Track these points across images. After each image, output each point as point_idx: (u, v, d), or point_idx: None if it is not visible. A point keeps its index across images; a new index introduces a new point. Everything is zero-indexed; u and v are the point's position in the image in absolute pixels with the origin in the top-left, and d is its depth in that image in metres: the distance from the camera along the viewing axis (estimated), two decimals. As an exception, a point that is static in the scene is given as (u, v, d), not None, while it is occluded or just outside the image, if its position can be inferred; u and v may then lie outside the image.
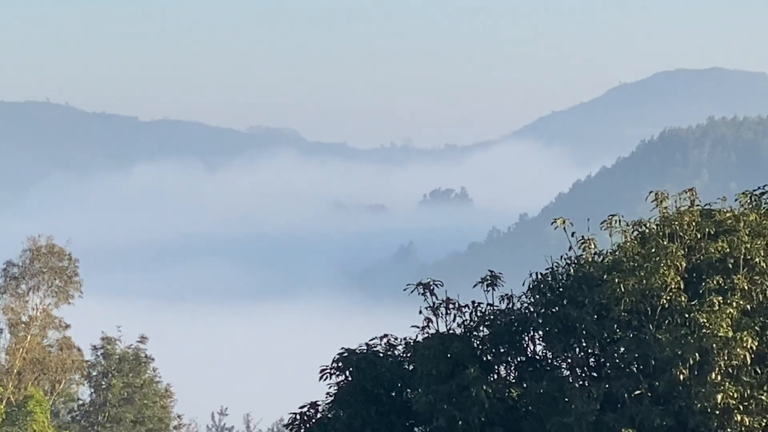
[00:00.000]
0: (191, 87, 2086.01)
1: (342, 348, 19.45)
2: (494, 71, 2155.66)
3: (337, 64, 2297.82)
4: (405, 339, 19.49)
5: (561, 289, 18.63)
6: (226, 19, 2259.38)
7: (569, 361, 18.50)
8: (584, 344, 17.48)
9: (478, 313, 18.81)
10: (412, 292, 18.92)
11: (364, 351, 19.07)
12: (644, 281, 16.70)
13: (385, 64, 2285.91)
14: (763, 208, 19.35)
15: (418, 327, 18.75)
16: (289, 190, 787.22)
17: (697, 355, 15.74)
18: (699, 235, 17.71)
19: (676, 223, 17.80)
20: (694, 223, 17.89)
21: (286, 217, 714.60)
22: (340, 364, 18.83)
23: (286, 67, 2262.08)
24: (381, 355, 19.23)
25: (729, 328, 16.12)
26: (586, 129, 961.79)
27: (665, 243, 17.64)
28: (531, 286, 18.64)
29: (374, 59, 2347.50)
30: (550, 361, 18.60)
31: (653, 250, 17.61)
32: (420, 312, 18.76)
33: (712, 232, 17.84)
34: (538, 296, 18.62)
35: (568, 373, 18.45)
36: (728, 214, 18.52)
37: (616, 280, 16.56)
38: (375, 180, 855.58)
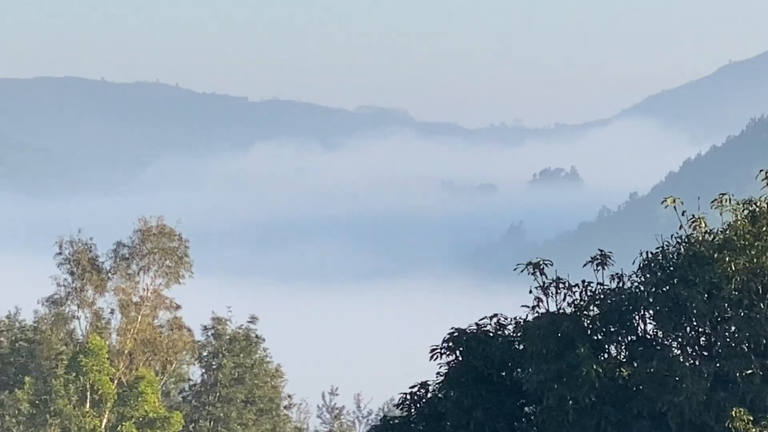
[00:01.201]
0: (299, 67, 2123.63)
1: (452, 328, 20.09)
2: (604, 49, 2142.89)
3: (444, 43, 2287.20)
4: (515, 318, 20.03)
5: (671, 268, 18.79)
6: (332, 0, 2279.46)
7: (680, 340, 18.76)
8: (695, 323, 17.90)
9: (589, 293, 19.27)
10: (522, 271, 19.49)
11: (475, 331, 19.63)
12: (755, 260, 17.21)
13: (493, 42, 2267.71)
14: None
15: (528, 306, 19.30)
16: (399, 170, 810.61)
17: (808, 333, 16.25)
18: (810, 214, 17.88)
19: (787, 201, 17.77)
20: (804, 202, 18.03)
21: (396, 198, 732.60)
22: (450, 344, 19.53)
23: (395, 46, 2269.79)
24: (491, 334, 19.76)
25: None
26: (697, 108, 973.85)
27: (776, 222, 18.08)
28: (641, 265, 18.95)
29: (482, 37, 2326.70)
30: (660, 340, 18.89)
31: (764, 229, 18.11)
32: (530, 291, 19.39)
33: (823, 211, 18.07)
34: (648, 275, 18.79)
35: (679, 352, 18.93)
36: (840, 191, 18.71)
37: (727, 259, 16.94)
38: (485, 159, 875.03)
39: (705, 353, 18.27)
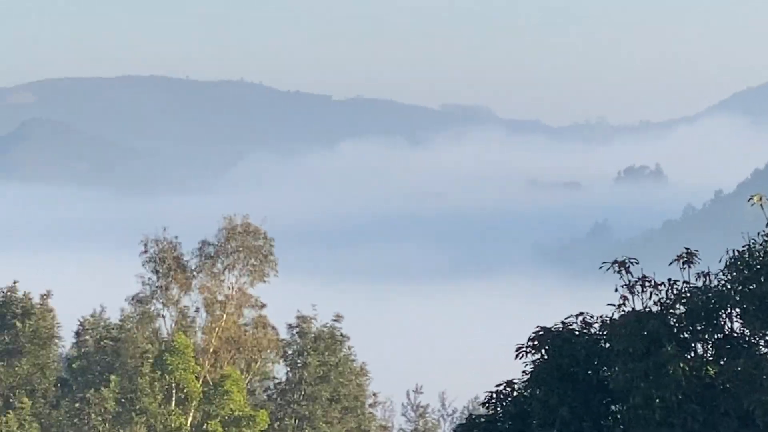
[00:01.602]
0: (382, 65, 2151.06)
1: (538, 326, 20.02)
2: (688, 46, 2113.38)
3: (528, 40, 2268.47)
4: (601, 317, 19.91)
5: (758, 266, 18.53)
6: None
7: (767, 338, 18.75)
8: (783, 321, 17.64)
9: (675, 291, 19.05)
10: (607, 270, 19.47)
11: (560, 329, 19.64)
12: (843, 255, 16.60)
13: (577, 39, 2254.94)
14: None
15: (614, 305, 19.11)
16: (484, 169, 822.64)
17: None
18: None
19: None
20: None
21: (481, 196, 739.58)
22: (535, 343, 19.53)
23: (478, 44, 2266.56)
24: (577, 333, 19.76)
25: None
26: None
27: None
28: (728, 264, 18.87)
29: (566, 34, 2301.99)
30: (747, 338, 18.72)
31: None
32: (616, 290, 19.31)
33: None
34: (734, 273, 18.64)
35: (766, 350, 18.86)
36: None
37: (815, 256, 16.34)
38: (570, 157, 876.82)
39: (793, 351, 18.07)
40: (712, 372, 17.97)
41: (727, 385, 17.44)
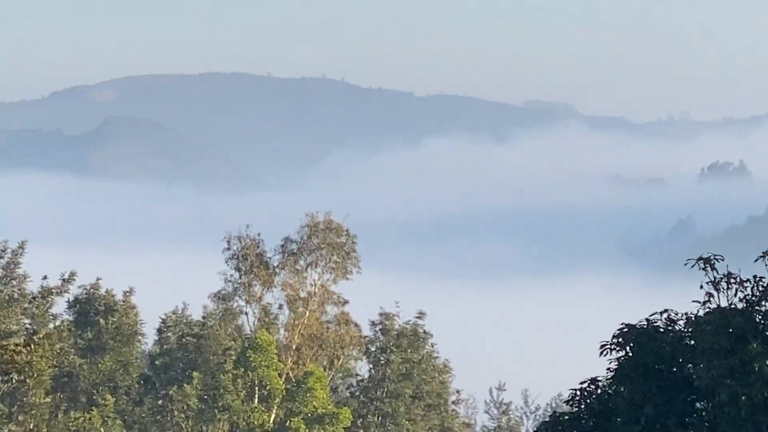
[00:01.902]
0: (464, 62, 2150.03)
1: (622, 323, 19.78)
2: None
3: (610, 36, 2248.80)
4: (686, 314, 19.68)
5: None
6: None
7: None
8: None
9: (761, 288, 18.73)
10: (692, 267, 19.23)
11: (645, 326, 19.53)
12: None
13: (659, 35, 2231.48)
14: None
15: (699, 302, 19.01)
16: (567, 165, 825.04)
17: None
18: None
19: None
20: None
21: (564, 192, 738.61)
22: (620, 340, 19.35)
23: (560, 40, 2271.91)
24: (662, 330, 19.58)
25: None
26: None
27: None
28: None
29: (648, 30, 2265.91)
30: None
31: None
32: (701, 287, 19.05)
33: None
34: None
35: None
36: None
37: None
38: (653, 153, 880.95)
39: None
40: None
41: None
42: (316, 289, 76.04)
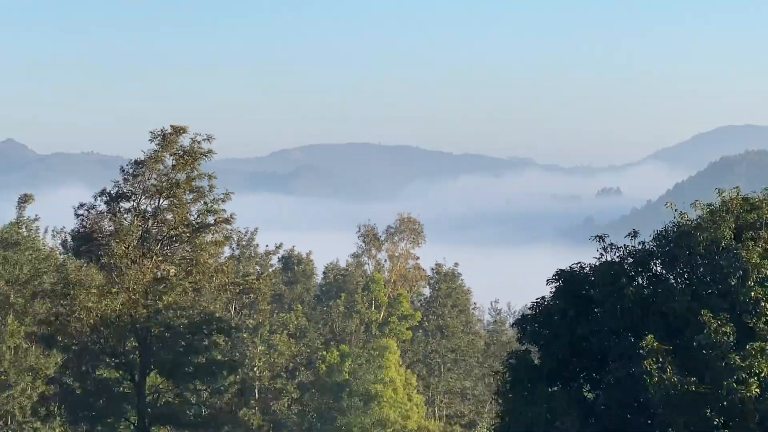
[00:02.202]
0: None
1: (557, 269, 18.59)
2: None
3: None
4: (590, 264, 17.82)
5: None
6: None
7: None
8: None
9: (628, 250, 17.40)
10: (593, 240, 17.98)
11: (569, 270, 18.42)
12: None
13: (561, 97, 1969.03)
14: None
15: (596, 258, 17.64)
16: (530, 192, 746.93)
17: None
18: None
19: None
20: None
21: (530, 202, 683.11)
22: (556, 276, 18.40)
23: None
24: (577, 271, 18.27)
25: None
26: None
27: None
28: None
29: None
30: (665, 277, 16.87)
31: None
32: (598, 250, 17.72)
33: None
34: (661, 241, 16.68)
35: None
36: None
37: None
38: (576, 184, 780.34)
39: None
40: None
41: (654, 299, 16.10)
42: (402, 251, 74.65)
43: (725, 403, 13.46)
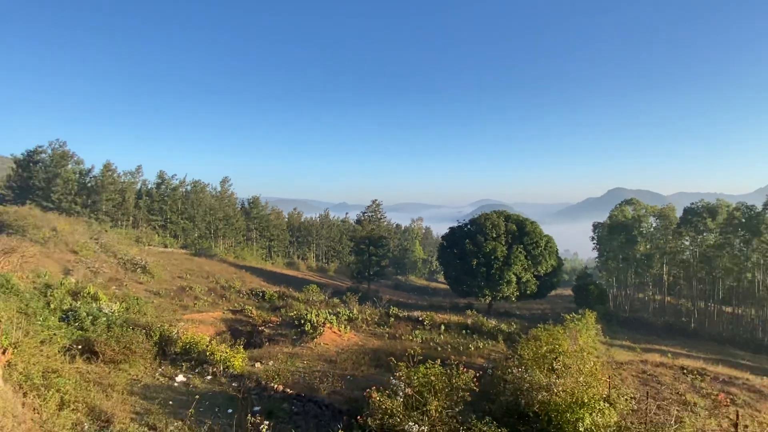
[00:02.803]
0: None
1: (449, 227, 66.43)
2: None
3: None
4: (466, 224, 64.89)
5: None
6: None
7: None
8: None
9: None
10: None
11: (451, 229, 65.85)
12: None
13: None
14: None
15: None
16: None
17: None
18: None
19: None
20: None
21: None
22: (448, 232, 65.52)
23: None
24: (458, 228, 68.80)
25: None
26: None
27: None
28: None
29: None
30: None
31: None
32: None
33: None
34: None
35: None
36: None
37: None
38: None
39: None
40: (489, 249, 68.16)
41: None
42: None
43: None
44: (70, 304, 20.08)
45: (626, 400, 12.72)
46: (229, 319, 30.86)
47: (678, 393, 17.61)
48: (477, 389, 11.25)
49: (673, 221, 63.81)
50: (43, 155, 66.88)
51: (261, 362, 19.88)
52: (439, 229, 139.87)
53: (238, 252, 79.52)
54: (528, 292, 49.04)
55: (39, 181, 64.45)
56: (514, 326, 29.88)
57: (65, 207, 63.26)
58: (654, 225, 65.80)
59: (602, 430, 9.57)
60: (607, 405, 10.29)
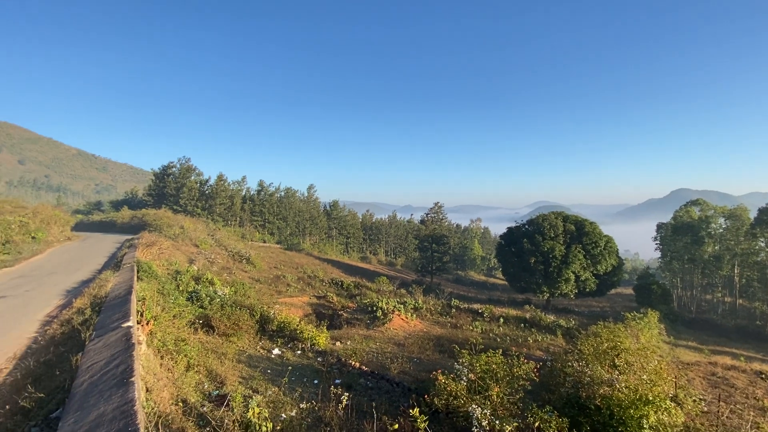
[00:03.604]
0: None
1: (507, 227, 61.47)
2: None
3: None
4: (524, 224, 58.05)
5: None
6: None
7: None
8: None
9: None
10: None
11: (511, 228, 62.38)
12: None
13: None
14: None
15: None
16: None
17: None
18: None
19: None
20: None
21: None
22: (507, 231, 61.15)
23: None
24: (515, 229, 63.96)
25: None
26: None
27: None
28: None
29: None
30: None
31: None
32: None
33: None
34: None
35: None
36: None
37: None
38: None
39: None
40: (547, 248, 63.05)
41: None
42: None
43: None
44: (193, 287, 21.90)
45: (695, 401, 11.19)
46: (314, 304, 31.98)
47: (754, 398, 15.19)
48: (537, 379, 10.60)
49: (745, 222, 56.04)
50: (174, 169, 74.47)
51: (341, 341, 20.38)
52: (497, 229, 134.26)
53: (321, 247, 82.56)
54: (587, 290, 45.60)
55: (171, 189, 71.84)
56: (573, 322, 27.98)
57: (189, 210, 69.78)
58: (724, 226, 58.22)
59: (668, 429, 8.47)
60: (673, 405, 9.12)
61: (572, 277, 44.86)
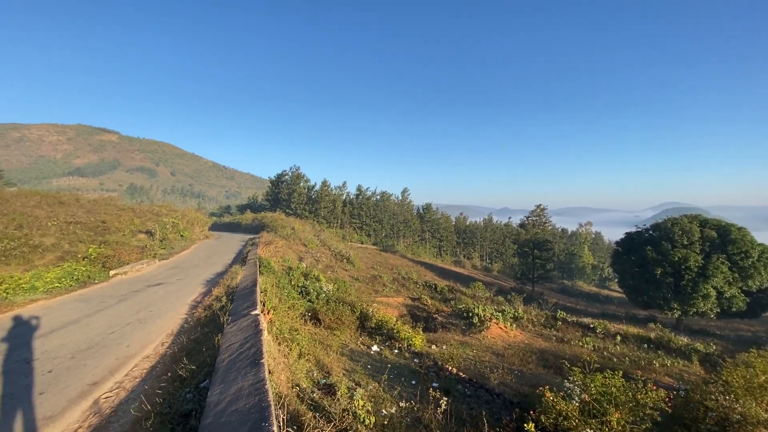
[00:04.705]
0: None
1: (624, 233, 47.01)
2: None
3: None
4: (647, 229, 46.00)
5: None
6: None
7: None
8: None
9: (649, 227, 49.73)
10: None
11: (631, 233, 49.18)
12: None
13: None
14: None
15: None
16: None
17: None
18: None
19: None
20: None
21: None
22: (624, 237, 49.42)
23: None
24: (635, 234, 52.57)
25: None
26: None
27: None
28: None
29: None
30: None
31: None
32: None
33: None
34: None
35: None
36: None
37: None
38: None
39: None
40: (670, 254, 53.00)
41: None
42: None
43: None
44: (303, 282, 23.83)
45: None
46: (409, 305, 32.27)
47: None
48: (669, 410, 9.03)
49: None
50: (286, 177, 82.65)
51: (436, 345, 20.18)
52: (611, 235, 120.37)
53: (415, 249, 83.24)
54: (733, 309, 37.70)
55: (283, 194, 79.83)
56: (714, 347, 23.38)
57: (299, 213, 76.60)
58: None
59: None
60: None
61: (713, 293, 37.53)
